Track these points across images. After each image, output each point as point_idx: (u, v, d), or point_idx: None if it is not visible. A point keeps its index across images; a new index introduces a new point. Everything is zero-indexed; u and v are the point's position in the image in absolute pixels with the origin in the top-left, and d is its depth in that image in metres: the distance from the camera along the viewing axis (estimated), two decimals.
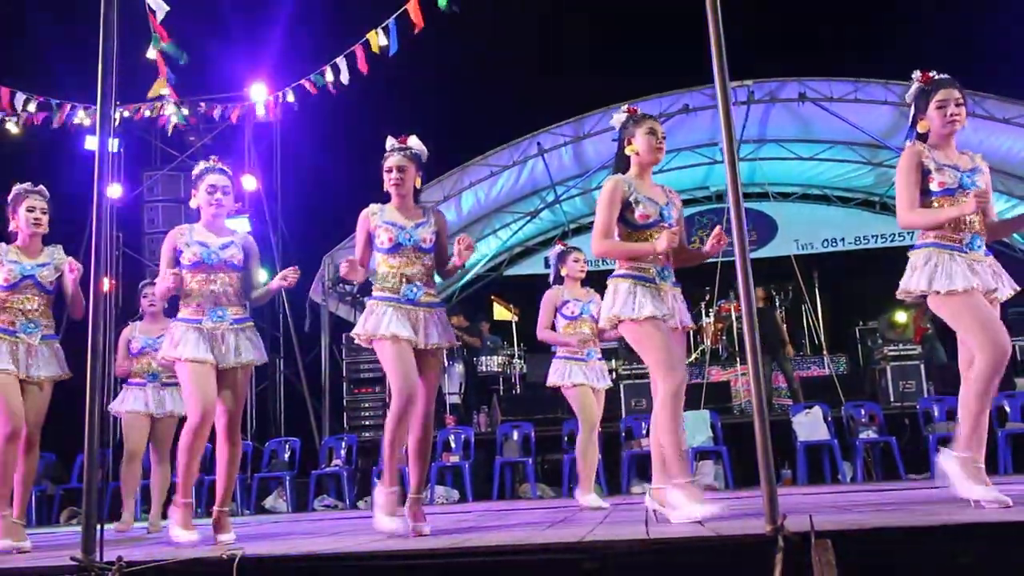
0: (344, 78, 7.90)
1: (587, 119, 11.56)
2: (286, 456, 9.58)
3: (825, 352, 11.56)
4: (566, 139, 11.87)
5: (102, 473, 9.69)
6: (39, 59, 9.07)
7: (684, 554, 2.76)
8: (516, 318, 11.35)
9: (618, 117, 4.10)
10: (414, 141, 4.19)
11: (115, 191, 10.64)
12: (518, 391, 10.96)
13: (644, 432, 9.11)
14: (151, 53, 6.85)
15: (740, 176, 3.00)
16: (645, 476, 9.01)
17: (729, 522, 3.41)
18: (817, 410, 8.68)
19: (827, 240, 13.31)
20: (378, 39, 7.31)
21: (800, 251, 13.01)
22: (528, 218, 13.13)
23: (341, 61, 8.03)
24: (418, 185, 4.16)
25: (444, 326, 4.10)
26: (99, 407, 3.14)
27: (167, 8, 6.30)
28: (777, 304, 11.63)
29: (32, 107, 8.95)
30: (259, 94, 9.91)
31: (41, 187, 4.71)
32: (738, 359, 10.98)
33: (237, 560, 2.94)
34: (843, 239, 13.30)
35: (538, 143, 11.87)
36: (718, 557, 2.74)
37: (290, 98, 9.12)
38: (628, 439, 8.91)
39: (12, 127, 9.14)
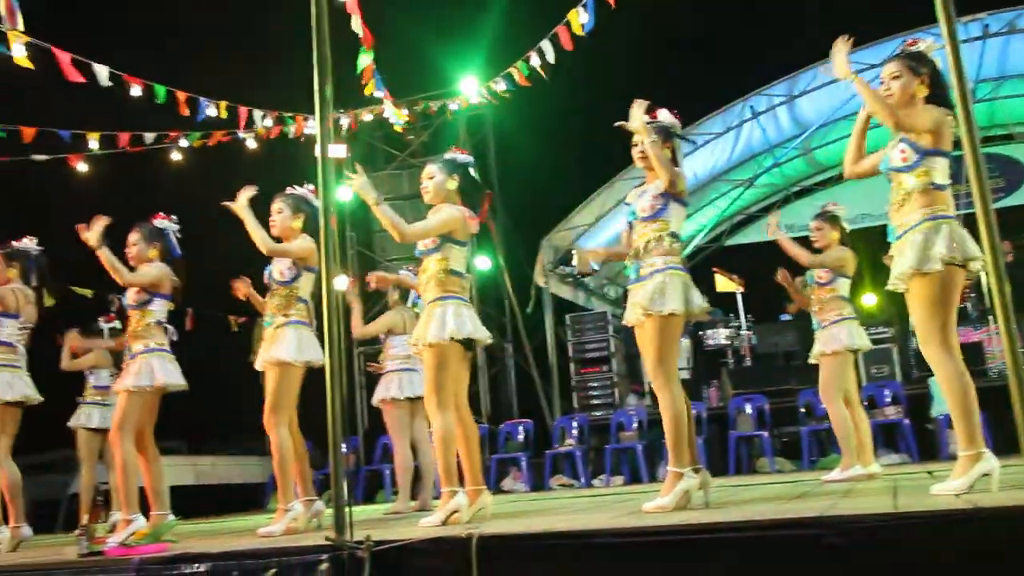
0: (551, 57, 7.91)
1: (801, 76, 11.02)
2: (520, 437, 9.82)
3: None
4: (780, 99, 11.37)
5: (354, 458, 10.41)
6: (274, 73, 9.73)
7: (938, 528, 2.57)
8: (741, 289, 11.00)
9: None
10: (663, 115, 4.16)
11: (344, 193, 11.34)
12: (748, 363, 10.64)
13: (887, 400, 8.61)
14: (362, 61, 7.16)
15: (975, 119, 2.75)
16: (891, 446, 8.51)
17: (990, 494, 3.14)
18: None
19: None
20: (578, 17, 7.28)
21: None
22: (746, 185, 12.70)
23: (545, 44, 8.06)
24: (667, 157, 4.10)
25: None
26: (340, 395, 3.33)
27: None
28: None
29: (268, 122, 9.63)
30: (470, 87, 10.15)
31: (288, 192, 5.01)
32: (990, 318, 10.11)
33: (476, 538, 3.03)
34: None
35: (751, 107, 11.45)
36: (978, 531, 2.52)
37: (500, 87, 9.26)
38: (872, 408, 8.42)
39: (251, 143, 9.87)
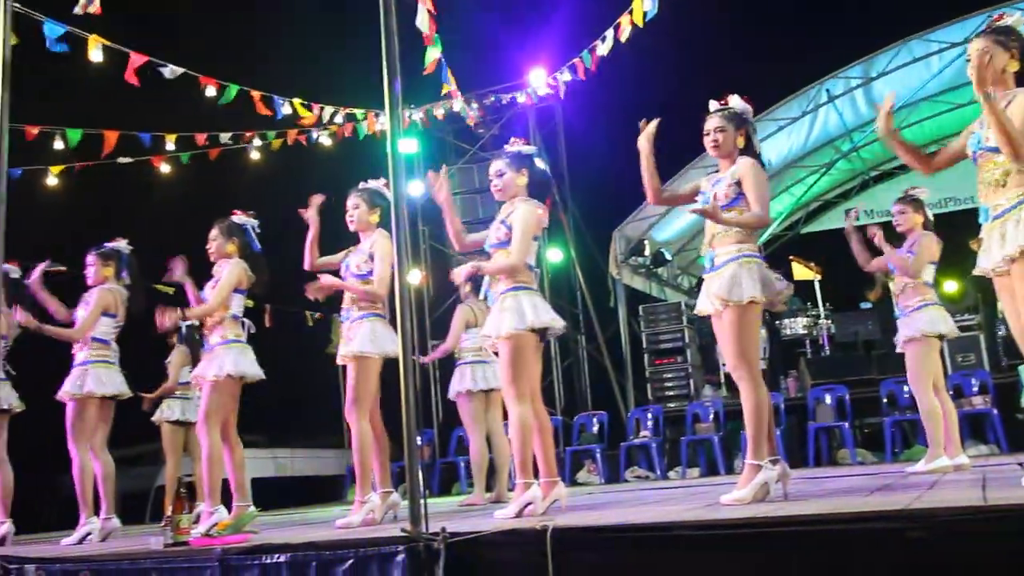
0: (623, 36, 7.80)
1: (878, 57, 10.73)
2: (595, 429, 9.78)
3: None
4: (857, 81, 11.09)
5: (429, 451, 10.51)
6: (347, 72, 9.85)
7: None
8: (819, 277, 10.77)
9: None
10: (735, 101, 4.11)
11: (417, 188, 11.42)
12: (827, 352, 10.42)
13: (975, 389, 8.34)
14: (430, 55, 7.20)
15: None
16: (978, 437, 8.25)
17: None
18: None
19: None
20: (642, 4, 7.18)
21: None
22: (823, 171, 12.42)
23: (610, 32, 8.00)
24: (740, 145, 4.04)
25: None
26: (414, 388, 3.35)
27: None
28: None
29: (339, 119, 9.75)
30: (538, 79, 10.14)
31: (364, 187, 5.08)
32: None
33: (551, 530, 3.02)
34: None
35: (827, 90, 11.19)
36: None
37: (567, 77, 9.23)
38: (958, 398, 8.16)
39: (325, 139, 10.01)
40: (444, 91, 8.34)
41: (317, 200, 5.07)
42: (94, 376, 5.51)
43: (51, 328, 5.60)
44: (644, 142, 4.21)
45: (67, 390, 5.50)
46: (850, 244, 5.90)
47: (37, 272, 5.85)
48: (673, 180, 11.64)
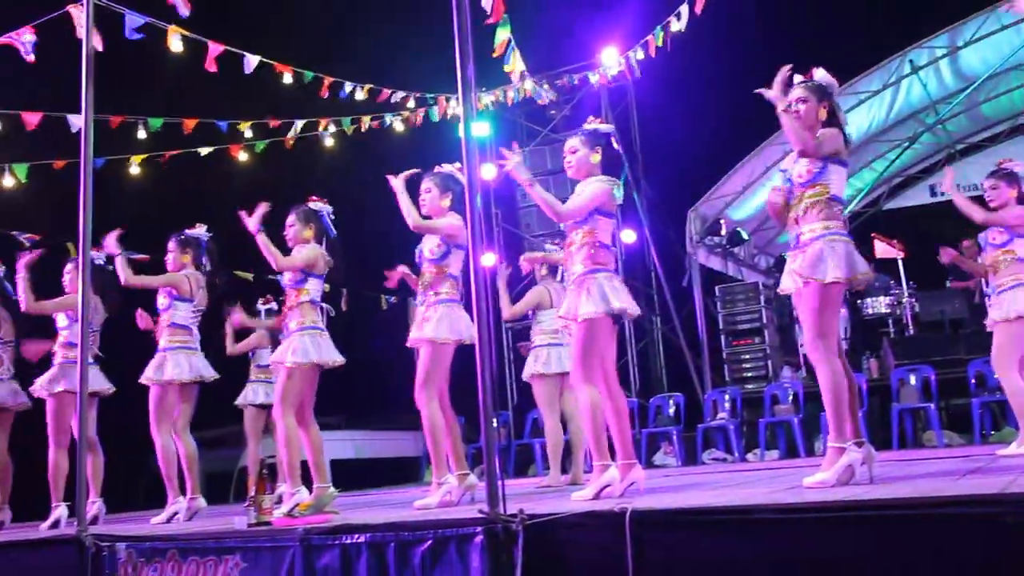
0: (699, 8, 7.65)
1: (964, 25, 10.33)
2: (671, 411, 9.69)
3: None
4: (942, 51, 10.70)
5: (505, 432, 10.55)
6: (420, 57, 9.88)
7: None
8: (902, 254, 10.46)
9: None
10: (820, 74, 4.00)
11: (489, 172, 11.42)
12: (911, 332, 10.13)
13: None
14: (499, 36, 7.15)
15: None
16: None
17: None
18: None
19: None
20: None
21: None
22: (906, 144, 12.04)
23: (684, 8, 7.86)
24: (823, 118, 3.93)
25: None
26: (490, 370, 3.35)
27: None
28: None
29: (411, 103, 9.79)
30: (610, 58, 10.02)
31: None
32: None
33: (629, 512, 3.00)
34: None
35: (910, 61, 10.82)
36: None
37: (639, 56, 9.10)
38: None
39: (398, 125, 10.06)
40: (508, 70, 8.30)
41: (406, 173, 5.04)
42: (174, 362, 5.64)
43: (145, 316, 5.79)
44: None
45: (149, 375, 5.65)
46: (959, 207, 5.62)
47: (110, 245, 5.87)
48: (749, 158, 11.46)
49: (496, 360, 9.74)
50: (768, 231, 13.13)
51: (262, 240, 5.06)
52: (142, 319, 6.01)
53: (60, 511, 5.84)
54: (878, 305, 10.34)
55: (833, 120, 3.94)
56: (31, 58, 5.88)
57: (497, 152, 12.32)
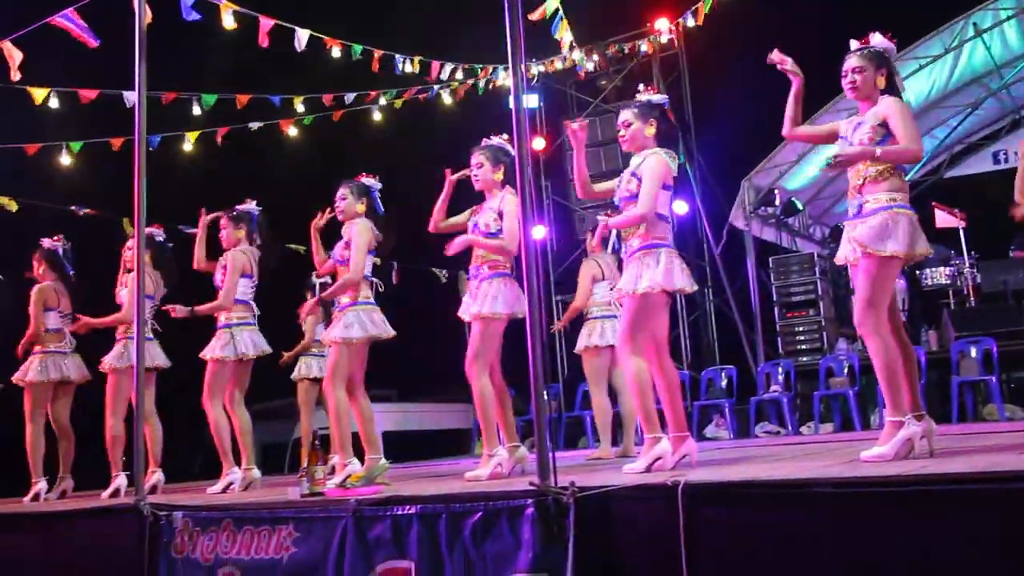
0: None
1: None
2: (723, 384, 9.60)
3: None
4: (1008, 12, 10.32)
5: (555, 405, 10.55)
6: (461, 31, 9.83)
7: None
8: (963, 224, 10.18)
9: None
10: (876, 39, 3.89)
11: (539, 144, 11.36)
12: (972, 303, 9.88)
13: None
14: (549, 5, 7.07)
15: None
16: None
17: None
18: None
19: None
20: None
21: None
22: (969, 110, 11.68)
23: None
24: (881, 86, 3.82)
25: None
26: (541, 343, 3.33)
27: None
28: None
29: (459, 75, 9.75)
30: (662, 25, 9.87)
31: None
32: None
33: (681, 486, 2.96)
34: None
35: (974, 23, 10.46)
36: None
37: (690, 23, 8.94)
38: None
39: (446, 97, 10.04)
40: (557, 37, 8.21)
41: (460, 174, 5.05)
42: (240, 339, 5.71)
43: (202, 307, 5.77)
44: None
45: (216, 352, 5.71)
46: None
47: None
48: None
49: (547, 333, 9.70)
50: (824, 200, 12.88)
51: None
52: (174, 311, 5.91)
53: (120, 480, 5.96)
54: (938, 276, 10.09)
55: (891, 87, 3.82)
56: (94, 43, 5.84)
57: (547, 123, 12.29)
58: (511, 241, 4.74)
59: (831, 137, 4.06)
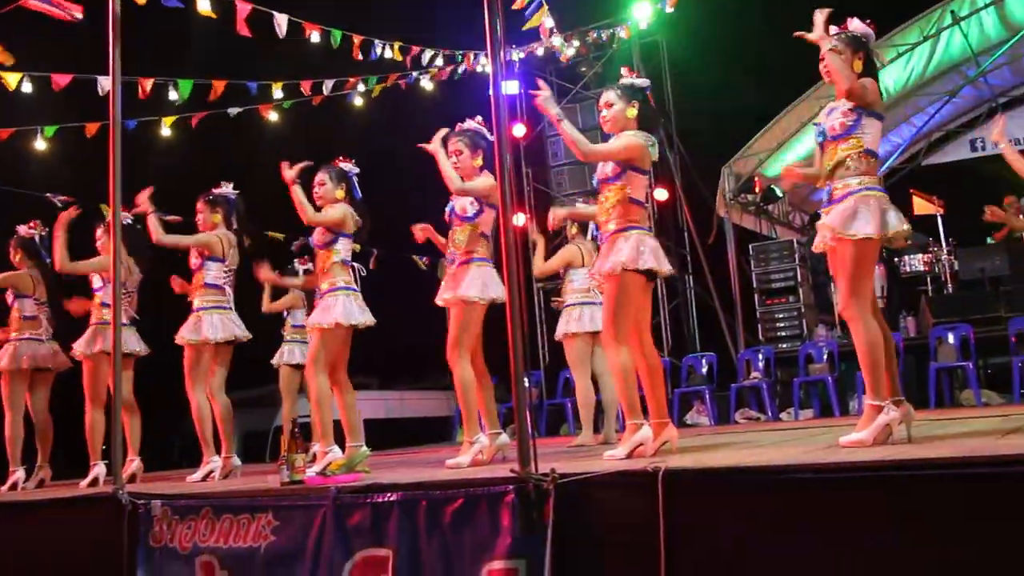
0: None
1: None
2: (703, 370, 9.64)
3: None
4: (986, 0, 10.38)
5: (536, 392, 10.56)
6: (440, 16, 9.77)
7: None
8: (941, 211, 10.26)
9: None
10: (855, 24, 3.88)
11: (519, 130, 11.31)
12: (949, 290, 9.96)
13: None
14: None
15: None
16: None
17: None
18: None
19: None
20: None
21: None
22: (946, 98, 11.75)
23: None
24: (858, 70, 3.78)
25: None
26: (521, 330, 3.32)
27: None
28: None
29: (439, 61, 9.69)
30: (641, 11, 9.83)
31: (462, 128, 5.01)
32: None
33: (661, 472, 2.97)
34: None
35: (951, 11, 10.52)
36: None
37: (669, 8, 8.92)
38: None
39: (426, 84, 9.97)
40: (529, 26, 8.17)
41: (442, 133, 4.99)
42: (208, 322, 5.67)
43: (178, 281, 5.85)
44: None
45: (183, 336, 5.69)
46: (1009, 162, 5.44)
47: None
48: (782, 115, 11.26)
49: (527, 319, 9.70)
50: (802, 188, 12.93)
51: (296, 192, 5.07)
52: (177, 285, 6.03)
53: (99, 469, 5.92)
54: (916, 263, 10.17)
55: (868, 72, 3.83)
56: (78, 12, 5.68)
57: (526, 109, 12.23)
58: (471, 187, 4.76)
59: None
